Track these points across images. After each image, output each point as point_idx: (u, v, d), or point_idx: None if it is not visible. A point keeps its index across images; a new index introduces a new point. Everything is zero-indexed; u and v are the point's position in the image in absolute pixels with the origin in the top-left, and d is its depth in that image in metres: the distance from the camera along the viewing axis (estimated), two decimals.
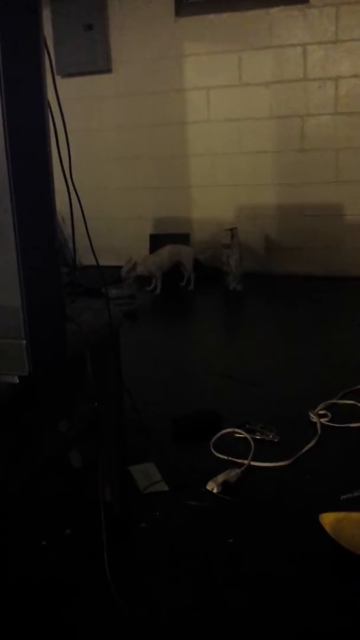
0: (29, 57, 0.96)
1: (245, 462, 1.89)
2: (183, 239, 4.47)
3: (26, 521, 1.61)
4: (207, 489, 1.75)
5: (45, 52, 1.04)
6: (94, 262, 1.45)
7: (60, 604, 1.36)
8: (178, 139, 4.58)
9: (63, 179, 1.21)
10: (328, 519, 1.50)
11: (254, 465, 1.89)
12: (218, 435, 2.08)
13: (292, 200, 4.40)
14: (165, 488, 1.78)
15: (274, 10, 4.18)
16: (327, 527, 1.49)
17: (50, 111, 1.06)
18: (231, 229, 4.18)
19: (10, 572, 1.35)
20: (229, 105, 4.42)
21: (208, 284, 4.30)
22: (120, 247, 4.46)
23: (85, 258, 1.76)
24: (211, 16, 4.31)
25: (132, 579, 1.43)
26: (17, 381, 1.02)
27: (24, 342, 0.97)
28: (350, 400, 2.29)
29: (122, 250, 4.39)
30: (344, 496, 1.66)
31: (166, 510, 1.69)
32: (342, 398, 2.31)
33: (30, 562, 1.50)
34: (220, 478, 1.78)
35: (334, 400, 2.29)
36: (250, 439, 2.03)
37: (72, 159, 1.21)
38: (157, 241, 4.53)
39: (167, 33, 4.41)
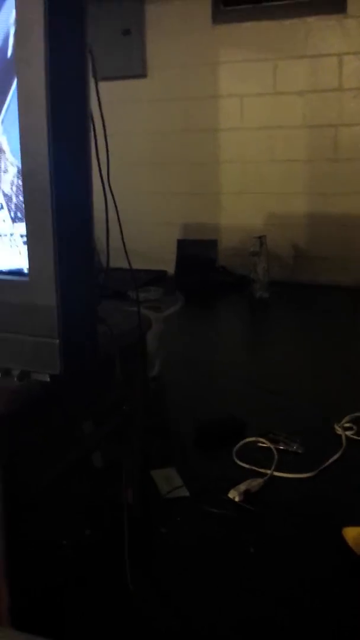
0: (74, 62, 0.97)
1: (268, 471, 1.88)
2: (210, 245, 4.47)
3: (47, 520, 1.61)
4: (228, 497, 1.74)
5: (90, 57, 1.05)
6: (121, 265, 1.45)
7: (76, 604, 1.37)
8: (210, 146, 4.58)
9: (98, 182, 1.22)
10: (351, 533, 1.48)
11: (276, 476, 1.87)
12: (241, 443, 2.07)
13: (323, 209, 4.37)
14: (187, 494, 1.78)
15: (311, 20, 4.16)
16: (350, 541, 1.48)
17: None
18: (260, 237, 4.16)
19: (31, 570, 1.36)
20: (262, 113, 4.41)
21: (234, 291, 4.29)
22: (147, 251, 4.45)
23: (113, 260, 1.77)
24: (248, 24, 4.32)
25: (149, 583, 1.42)
26: (49, 380, 1.02)
27: (57, 341, 0.98)
28: None
29: (148, 254, 4.39)
30: None
31: (187, 516, 1.68)
32: None
33: (50, 561, 1.51)
34: (243, 487, 1.77)
35: None
36: (273, 449, 2.01)
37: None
38: (184, 247, 4.53)
39: (204, 39, 4.42)
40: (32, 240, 0.95)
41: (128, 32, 4.49)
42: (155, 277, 4.41)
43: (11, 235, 0.95)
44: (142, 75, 4.58)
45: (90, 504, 1.72)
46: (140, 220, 4.77)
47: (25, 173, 0.92)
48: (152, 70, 4.59)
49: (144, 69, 4.57)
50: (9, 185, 0.93)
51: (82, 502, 1.72)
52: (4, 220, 0.98)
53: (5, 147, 0.94)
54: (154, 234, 4.76)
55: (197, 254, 4.44)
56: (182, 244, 4.59)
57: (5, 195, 0.95)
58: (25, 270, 0.97)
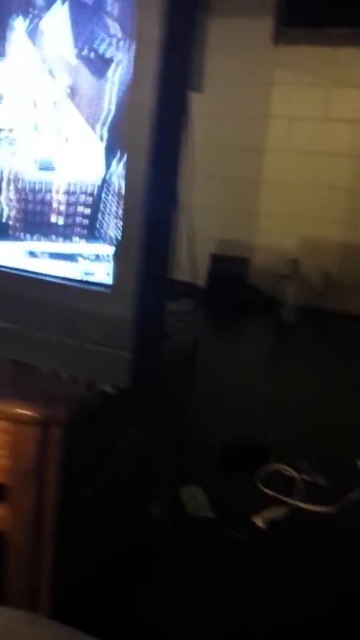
0: (179, 79, 0.98)
1: (291, 501, 1.87)
2: (243, 263, 4.47)
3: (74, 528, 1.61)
4: (252, 522, 1.73)
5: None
6: None
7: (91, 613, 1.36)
8: (254, 164, 4.59)
9: None
10: None
11: (299, 506, 1.86)
12: (265, 468, 2.05)
13: (358, 240, 4.36)
14: (212, 514, 1.77)
15: None
16: None
17: None
18: (293, 260, 4.16)
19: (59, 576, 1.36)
20: (309, 138, 4.42)
21: (261, 311, 4.28)
22: (180, 261, 4.46)
23: None
24: (306, 48, 4.33)
25: (165, 599, 1.42)
26: (114, 391, 1.02)
27: (130, 355, 0.98)
28: None
29: (180, 264, 4.40)
30: None
31: (210, 536, 1.68)
32: None
33: (75, 569, 1.50)
34: (266, 514, 1.76)
35: None
36: (298, 478, 2.00)
37: None
38: (217, 261, 4.53)
39: (261, 58, 4.44)
40: (119, 253, 0.96)
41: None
42: (188, 290, 4.41)
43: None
44: (198, 87, 4.60)
45: (117, 514, 1.71)
46: (176, 230, 4.77)
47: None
48: (208, 84, 4.61)
49: (200, 81, 4.59)
50: None
51: (110, 512, 1.71)
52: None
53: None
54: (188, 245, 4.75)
55: (229, 271, 4.44)
56: (215, 259, 4.58)
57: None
58: (108, 282, 0.97)
